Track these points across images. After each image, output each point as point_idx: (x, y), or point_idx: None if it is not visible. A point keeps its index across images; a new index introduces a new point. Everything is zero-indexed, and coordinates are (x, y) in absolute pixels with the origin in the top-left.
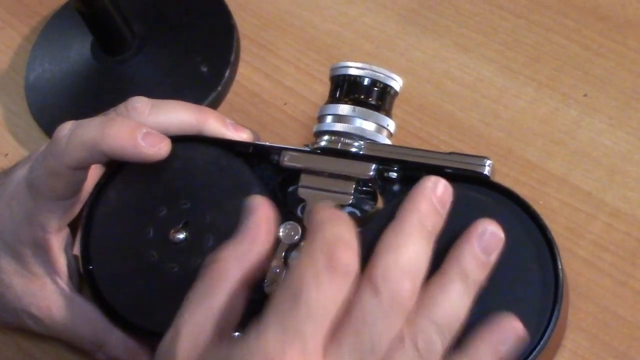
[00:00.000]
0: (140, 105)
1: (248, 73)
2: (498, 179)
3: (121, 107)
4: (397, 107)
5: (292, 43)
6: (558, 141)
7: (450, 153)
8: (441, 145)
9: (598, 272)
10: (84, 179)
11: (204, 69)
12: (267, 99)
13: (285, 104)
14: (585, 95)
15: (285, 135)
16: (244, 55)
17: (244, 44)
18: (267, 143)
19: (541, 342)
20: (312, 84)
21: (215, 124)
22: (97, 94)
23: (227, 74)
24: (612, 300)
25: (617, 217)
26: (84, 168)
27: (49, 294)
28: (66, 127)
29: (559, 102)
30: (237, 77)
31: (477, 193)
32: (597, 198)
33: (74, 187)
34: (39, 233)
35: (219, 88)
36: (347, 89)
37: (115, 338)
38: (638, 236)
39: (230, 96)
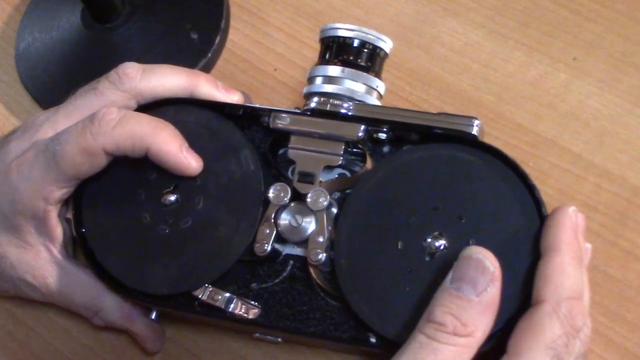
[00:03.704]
0: (131, 70)
1: (238, 40)
2: (489, 141)
3: (113, 74)
4: (387, 71)
5: (281, 10)
6: (547, 104)
7: (439, 113)
8: (431, 109)
9: (588, 233)
10: (103, 165)
11: (194, 36)
12: (257, 65)
13: (275, 69)
14: (574, 59)
15: (275, 100)
16: (234, 22)
17: (234, 10)
18: (258, 105)
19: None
20: (302, 50)
21: (207, 87)
22: (87, 62)
23: (217, 40)
24: (602, 260)
25: (607, 178)
26: (115, 155)
27: (43, 263)
28: (114, 112)
29: (548, 65)
30: (227, 43)
31: (466, 153)
32: (586, 160)
33: (94, 169)
34: (40, 204)
35: (209, 55)
36: (336, 50)
37: (110, 304)
38: (627, 196)
39: (220, 63)
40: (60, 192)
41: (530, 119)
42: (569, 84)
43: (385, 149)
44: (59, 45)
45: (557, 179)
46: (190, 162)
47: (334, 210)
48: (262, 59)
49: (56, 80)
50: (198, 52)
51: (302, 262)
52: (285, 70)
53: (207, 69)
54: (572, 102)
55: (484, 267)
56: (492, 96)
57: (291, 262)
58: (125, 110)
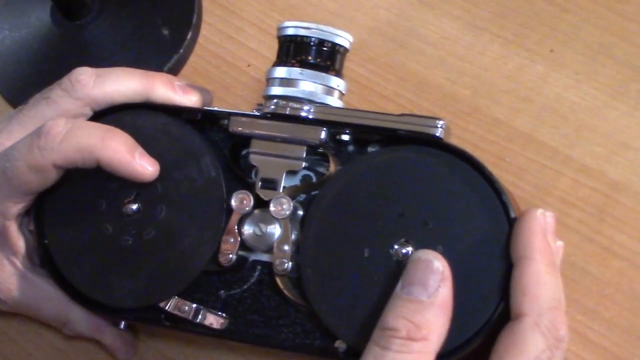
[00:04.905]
0: (84, 77)
1: (210, 35)
2: (465, 136)
3: (65, 81)
4: (362, 66)
5: (254, 4)
6: (524, 98)
7: (402, 115)
8: (407, 104)
9: (566, 229)
10: (58, 178)
11: (166, 31)
12: (230, 60)
13: (248, 65)
14: (551, 51)
15: (249, 97)
16: (206, 17)
17: (206, 5)
18: (216, 108)
19: (496, 313)
20: (276, 45)
21: (163, 89)
22: (58, 60)
23: (189, 36)
24: (580, 257)
25: (585, 172)
26: (67, 169)
27: (7, 276)
28: (60, 124)
29: (525, 58)
30: (200, 39)
31: (431, 156)
32: (564, 154)
33: (47, 184)
34: None
35: (181, 51)
36: (294, 50)
37: (78, 315)
38: (605, 191)
39: (192, 59)
40: (17, 207)
41: (506, 113)
42: (546, 77)
43: (350, 148)
44: (29, 43)
45: (534, 174)
46: (144, 168)
47: (300, 213)
48: (235, 55)
49: (26, 78)
50: (170, 48)
51: (270, 268)
52: (258, 66)
53: (179, 65)
54: (549, 95)
55: (433, 268)
56: (468, 90)
57: (259, 267)
58: (73, 120)
